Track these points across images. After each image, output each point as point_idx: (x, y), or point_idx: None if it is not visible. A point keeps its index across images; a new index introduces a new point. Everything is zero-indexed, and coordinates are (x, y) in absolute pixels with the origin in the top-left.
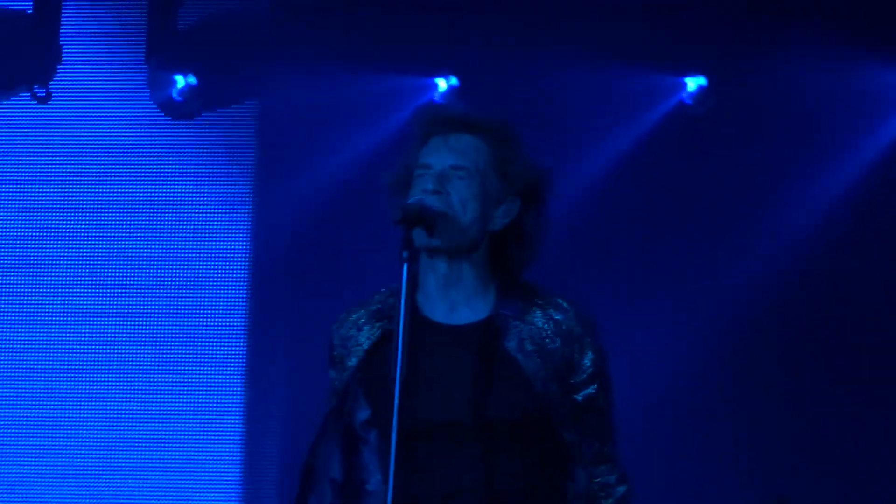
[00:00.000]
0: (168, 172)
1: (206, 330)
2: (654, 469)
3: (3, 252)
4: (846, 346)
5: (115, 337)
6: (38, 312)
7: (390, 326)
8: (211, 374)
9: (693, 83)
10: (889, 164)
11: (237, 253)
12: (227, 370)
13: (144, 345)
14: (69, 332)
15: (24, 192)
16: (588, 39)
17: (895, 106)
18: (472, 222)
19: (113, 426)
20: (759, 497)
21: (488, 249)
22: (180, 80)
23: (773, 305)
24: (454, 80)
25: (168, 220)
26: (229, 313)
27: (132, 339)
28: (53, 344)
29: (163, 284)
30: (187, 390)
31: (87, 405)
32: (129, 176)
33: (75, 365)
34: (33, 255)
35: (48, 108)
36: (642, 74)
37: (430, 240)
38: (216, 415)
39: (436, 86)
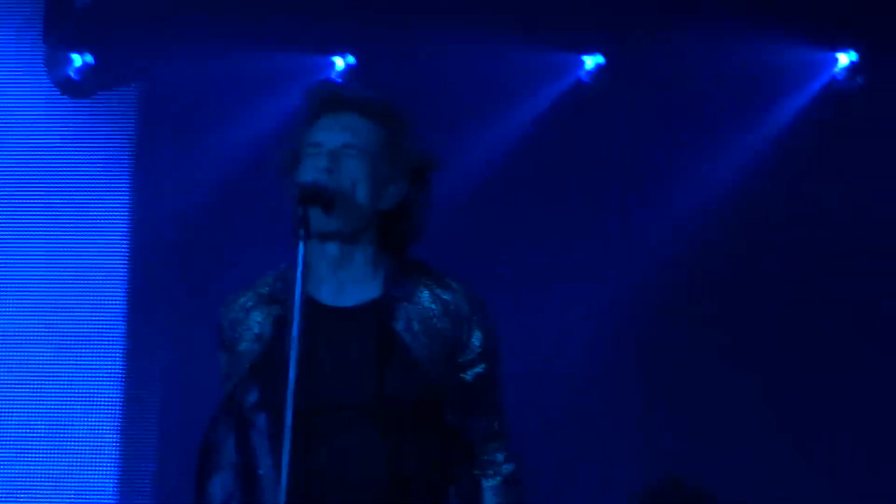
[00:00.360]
0: (52, 153)
1: (84, 315)
2: (547, 453)
3: None
4: (741, 333)
5: None
6: None
7: (282, 311)
8: (88, 364)
9: (591, 61)
10: (784, 146)
11: (118, 238)
12: (104, 358)
13: (19, 328)
14: None
15: None
16: (485, 16)
17: (794, 84)
18: (364, 202)
19: None
20: (653, 479)
21: (377, 230)
22: (77, 59)
23: (665, 290)
24: (351, 59)
25: (51, 204)
26: (108, 300)
27: (6, 321)
28: None
29: (42, 267)
30: (62, 380)
31: None
32: (17, 156)
33: None
34: None
35: None
36: (540, 52)
37: (327, 221)
38: (93, 403)
39: (333, 64)
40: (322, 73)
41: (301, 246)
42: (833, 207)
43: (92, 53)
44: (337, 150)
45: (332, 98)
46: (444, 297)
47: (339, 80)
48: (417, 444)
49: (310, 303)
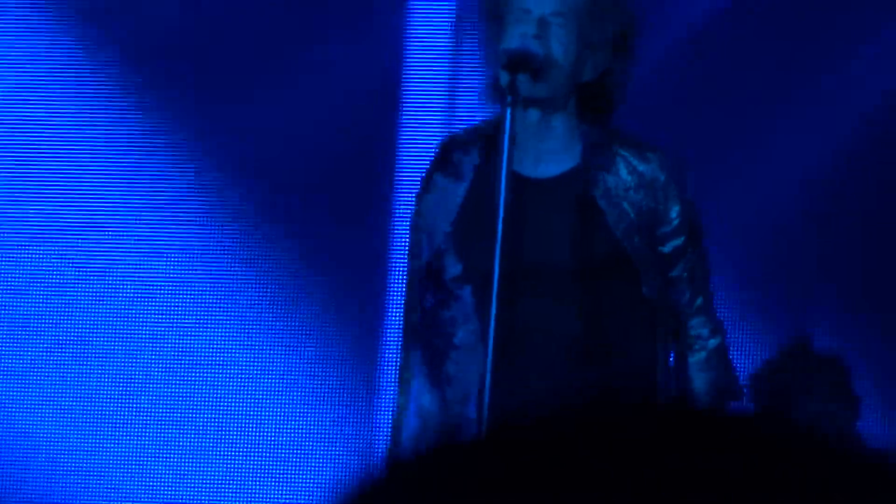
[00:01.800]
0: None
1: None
2: None
3: None
4: None
5: None
6: None
7: (476, 176)
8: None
9: None
10: None
11: None
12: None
13: None
14: None
15: None
16: None
17: None
18: (571, 70)
19: None
20: None
21: (578, 99)
22: None
23: None
24: None
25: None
26: None
27: None
28: None
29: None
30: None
31: None
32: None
33: None
34: None
35: None
36: None
37: (534, 87)
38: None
39: None
40: None
41: (508, 112)
42: None
43: None
44: (546, 17)
45: None
46: (641, 168)
47: None
48: (616, 312)
49: (511, 174)
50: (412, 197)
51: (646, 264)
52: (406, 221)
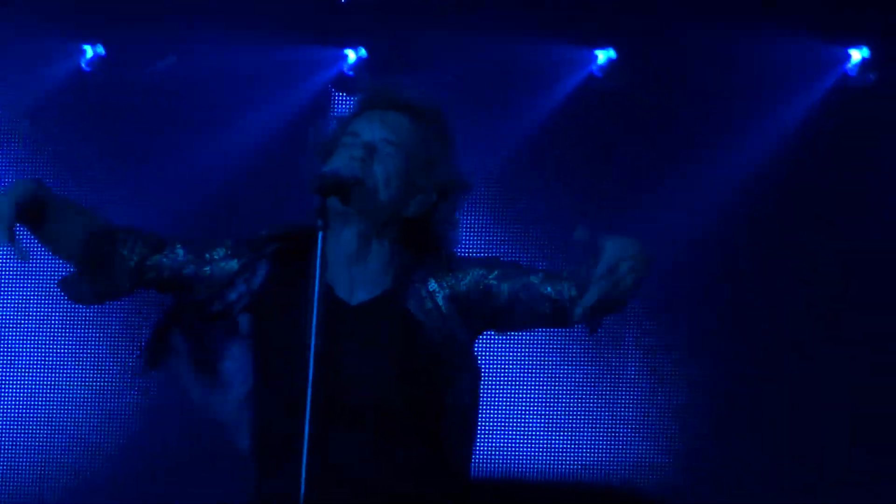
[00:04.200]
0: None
1: None
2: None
3: None
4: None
5: None
6: None
7: (276, 270)
8: None
9: (603, 55)
10: (796, 142)
11: None
12: None
13: None
14: None
15: None
16: (498, 10)
17: (805, 81)
18: (390, 199)
19: None
20: None
21: (398, 232)
22: (88, 51)
23: (669, 288)
24: (363, 52)
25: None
26: None
27: None
28: None
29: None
30: None
31: None
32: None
33: None
34: None
35: None
36: (552, 45)
37: (345, 209)
38: None
39: (345, 57)
40: (334, 65)
41: (320, 236)
42: (844, 205)
43: (103, 44)
44: (375, 143)
45: (380, 95)
46: (448, 278)
47: (393, 79)
48: (415, 452)
49: (326, 292)
50: None
51: (460, 365)
52: None
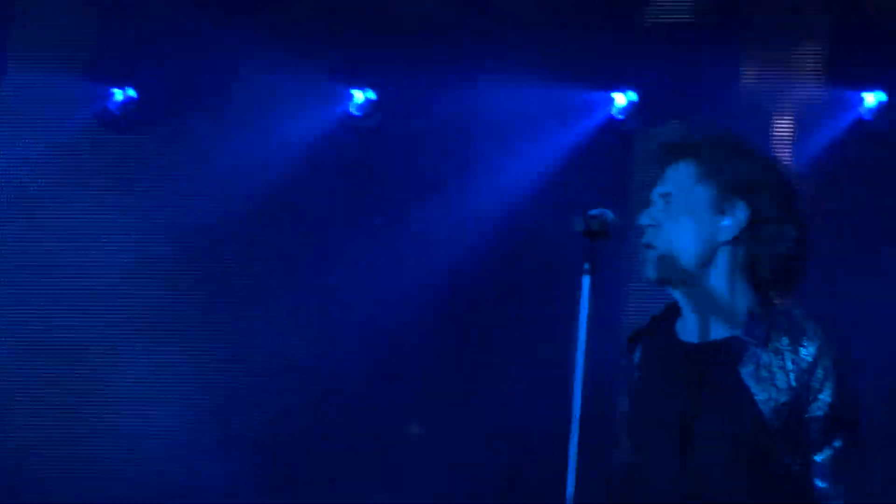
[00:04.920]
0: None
1: None
2: None
3: None
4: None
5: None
6: None
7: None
8: None
9: (623, 98)
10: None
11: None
12: None
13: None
14: None
15: None
16: (516, 51)
17: (821, 122)
18: (690, 244)
19: None
20: None
21: (729, 261)
22: (118, 94)
23: None
24: (371, 94)
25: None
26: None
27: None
28: None
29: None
30: None
31: None
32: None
33: None
34: None
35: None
36: (571, 89)
37: (648, 273)
38: None
39: (352, 97)
40: (343, 104)
41: (587, 280)
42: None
43: (135, 87)
44: (655, 200)
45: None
46: (800, 349)
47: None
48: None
49: (675, 343)
50: None
51: (791, 441)
52: None
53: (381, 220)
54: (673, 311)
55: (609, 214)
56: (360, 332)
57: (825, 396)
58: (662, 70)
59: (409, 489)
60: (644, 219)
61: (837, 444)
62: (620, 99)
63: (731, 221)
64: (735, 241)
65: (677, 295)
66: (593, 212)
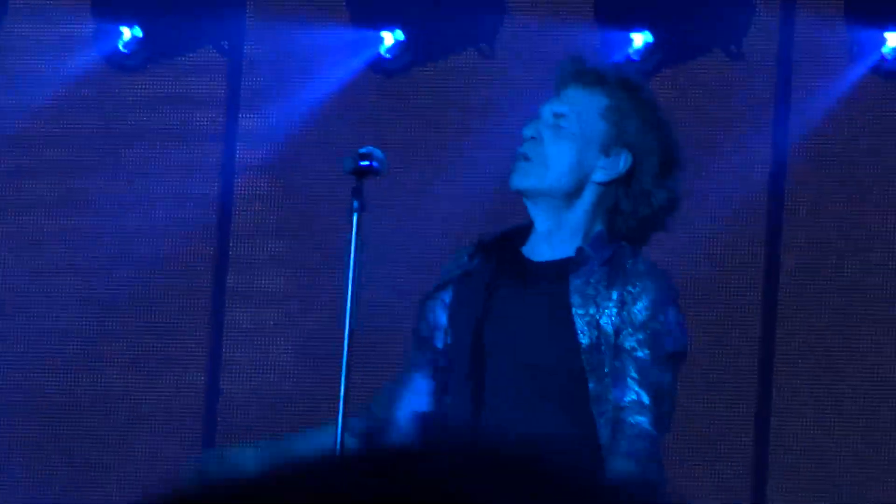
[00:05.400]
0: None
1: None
2: None
3: None
4: None
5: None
6: None
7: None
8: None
9: (640, 38)
10: (829, 126)
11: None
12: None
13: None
14: None
15: None
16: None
17: (841, 64)
18: (565, 170)
19: None
20: None
21: (595, 201)
22: (126, 32)
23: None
24: (400, 35)
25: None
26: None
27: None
28: None
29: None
30: None
31: None
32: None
33: None
34: None
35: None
36: (589, 29)
37: (514, 182)
38: None
39: (381, 40)
40: (370, 47)
41: (354, 218)
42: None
43: (141, 26)
44: (548, 119)
45: (568, 71)
46: (631, 285)
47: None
48: (558, 413)
49: (521, 260)
50: None
51: (596, 358)
52: None
53: None
54: (523, 232)
55: (378, 153)
56: None
57: (639, 334)
58: (678, 11)
59: None
60: (529, 130)
61: (632, 397)
62: (637, 40)
63: (610, 167)
64: (606, 185)
65: (535, 211)
66: (363, 150)
